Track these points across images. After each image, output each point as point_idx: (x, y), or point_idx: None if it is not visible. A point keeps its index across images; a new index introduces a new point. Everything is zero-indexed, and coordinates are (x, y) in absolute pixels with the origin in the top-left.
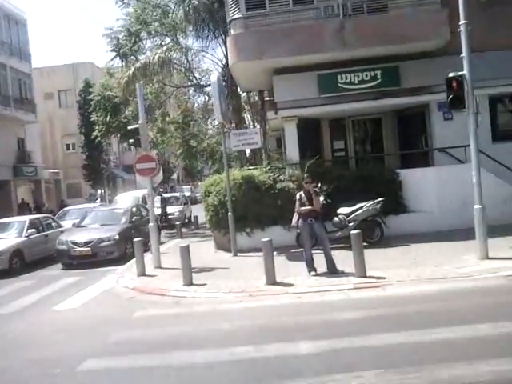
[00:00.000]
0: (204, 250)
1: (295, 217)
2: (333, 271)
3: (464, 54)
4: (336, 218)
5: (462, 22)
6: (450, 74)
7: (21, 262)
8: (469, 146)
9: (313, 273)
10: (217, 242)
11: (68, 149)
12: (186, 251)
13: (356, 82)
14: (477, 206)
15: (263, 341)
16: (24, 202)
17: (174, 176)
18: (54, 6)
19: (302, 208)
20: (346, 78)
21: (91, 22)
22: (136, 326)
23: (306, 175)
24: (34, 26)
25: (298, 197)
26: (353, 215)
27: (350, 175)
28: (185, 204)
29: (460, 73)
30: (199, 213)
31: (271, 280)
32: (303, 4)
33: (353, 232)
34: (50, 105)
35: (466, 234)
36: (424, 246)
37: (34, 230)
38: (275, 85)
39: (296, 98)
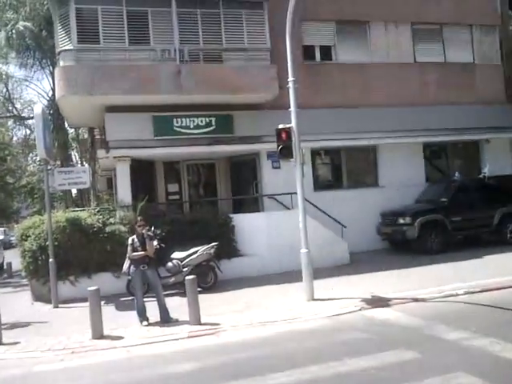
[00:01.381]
0: (18, 302)
1: (126, 262)
2: (166, 320)
3: (292, 108)
4: (170, 263)
5: (291, 78)
6: (280, 126)
7: None
8: (295, 193)
9: (145, 323)
10: (34, 293)
11: None
12: None
13: (191, 126)
14: (303, 250)
15: None
16: None
17: None
18: None
19: (135, 253)
20: (182, 122)
21: None
22: None
23: (139, 218)
24: None
25: (130, 241)
26: (187, 260)
27: (184, 219)
28: None
29: (288, 125)
30: (14, 259)
31: (98, 333)
32: (140, 44)
33: (188, 278)
34: None
35: (294, 276)
36: (256, 290)
37: None
38: (107, 123)
39: (130, 138)
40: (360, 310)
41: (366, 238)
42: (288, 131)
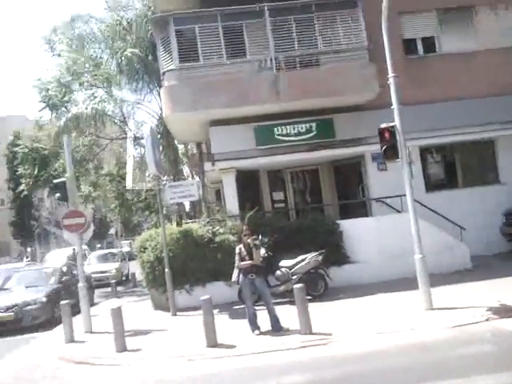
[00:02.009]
0: (141, 311)
1: (235, 272)
2: (277, 329)
3: (394, 105)
4: (279, 272)
5: (391, 75)
6: (382, 125)
7: None
8: (404, 195)
9: (256, 332)
10: (154, 301)
11: None
12: (117, 314)
13: (292, 133)
14: (417, 256)
15: None
16: None
17: (112, 231)
18: None
19: (242, 263)
20: (283, 130)
21: (25, 74)
22: None
23: (244, 227)
24: None
25: (237, 250)
26: (295, 268)
27: (290, 226)
28: (122, 260)
29: (391, 124)
30: (138, 270)
31: (212, 342)
32: (237, 57)
33: (296, 286)
34: None
35: (408, 283)
36: (369, 298)
37: None
38: (211, 136)
39: (233, 150)
40: (487, 320)
41: (487, 241)
42: (391, 130)
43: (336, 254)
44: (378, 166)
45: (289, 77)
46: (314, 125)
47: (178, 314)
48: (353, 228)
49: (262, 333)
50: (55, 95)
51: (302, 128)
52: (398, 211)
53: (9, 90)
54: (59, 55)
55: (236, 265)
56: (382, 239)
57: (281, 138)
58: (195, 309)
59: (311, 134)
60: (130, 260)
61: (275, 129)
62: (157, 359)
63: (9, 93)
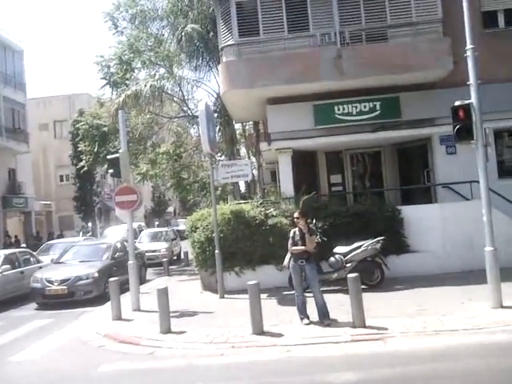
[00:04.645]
0: (190, 291)
1: (288, 256)
2: (323, 320)
3: (471, 81)
4: (332, 258)
5: (469, 46)
6: (457, 103)
7: None
8: (475, 181)
9: (305, 321)
10: (203, 282)
11: (61, 180)
12: (163, 294)
13: (354, 113)
14: (488, 248)
15: None
16: (8, 234)
17: (171, 209)
18: (54, 36)
19: (294, 248)
20: (344, 109)
21: (91, 52)
22: None
23: (296, 213)
24: (31, 55)
25: (291, 234)
26: (350, 255)
27: (347, 211)
28: (173, 240)
29: (467, 101)
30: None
31: (258, 329)
32: (299, 31)
33: (350, 275)
34: (44, 135)
35: (473, 276)
36: (429, 291)
37: (8, 266)
38: (269, 115)
39: (290, 129)
40: None
41: None
42: (467, 108)
43: (395, 241)
44: (446, 150)
45: (354, 52)
46: (378, 104)
47: (226, 296)
48: (415, 215)
49: (312, 322)
50: (116, 72)
51: (364, 107)
52: (467, 198)
53: (75, 67)
54: (122, 32)
55: (289, 249)
56: (447, 228)
57: (341, 117)
58: (244, 292)
59: (375, 114)
60: (183, 239)
61: (336, 107)
62: (200, 343)
63: (75, 71)
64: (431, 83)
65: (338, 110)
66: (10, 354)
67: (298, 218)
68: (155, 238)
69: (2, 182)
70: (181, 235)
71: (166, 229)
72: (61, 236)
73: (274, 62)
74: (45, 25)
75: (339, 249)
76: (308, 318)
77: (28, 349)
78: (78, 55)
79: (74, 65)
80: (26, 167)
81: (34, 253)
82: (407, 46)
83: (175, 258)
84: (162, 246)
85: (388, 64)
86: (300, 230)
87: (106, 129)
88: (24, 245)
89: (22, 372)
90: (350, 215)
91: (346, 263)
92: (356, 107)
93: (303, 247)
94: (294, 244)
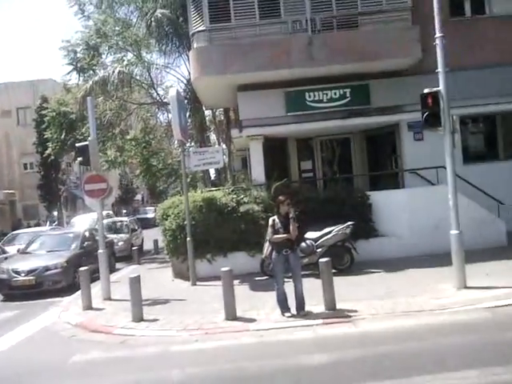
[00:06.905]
0: (161, 279)
1: (267, 246)
2: (300, 310)
3: (440, 68)
4: (303, 244)
5: (438, 35)
6: (425, 90)
7: None
8: (442, 167)
9: (287, 314)
10: (175, 270)
11: (25, 168)
12: (135, 283)
13: (324, 100)
14: (454, 232)
15: None
16: None
17: (139, 197)
18: (16, 20)
19: (276, 236)
20: (315, 96)
21: (55, 37)
22: (70, 375)
23: (280, 197)
24: None
25: (270, 222)
26: (321, 240)
27: (317, 197)
28: (133, 231)
29: (435, 89)
30: (160, 236)
31: (231, 315)
32: (270, 18)
33: (321, 260)
34: (7, 122)
35: (439, 259)
36: (397, 274)
37: None
38: (240, 102)
39: (262, 116)
40: None
41: None
42: (435, 95)
43: (364, 226)
44: (414, 136)
45: (325, 39)
46: (348, 91)
47: (198, 283)
48: (383, 200)
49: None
50: (83, 58)
51: (335, 94)
52: (433, 184)
53: (39, 53)
54: (89, 17)
55: (268, 238)
56: (414, 213)
57: (312, 104)
58: (216, 278)
59: (345, 101)
60: (153, 227)
61: (307, 94)
62: (173, 331)
63: (39, 56)
64: (400, 71)
65: (309, 97)
66: None
67: (283, 200)
68: (112, 229)
69: None
70: (150, 223)
71: (125, 219)
72: (29, 226)
73: (246, 48)
74: (7, 7)
75: (310, 234)
76: (289, 310)
77: None
78: (41, 40)
79: (38, 50)
80: None
81: None
82: (377, 34)
83: (136, 248)
84: (119, 240)
85: (358, 51)
86: (282, 216)
87: (73, 116)
88: None
89: None
90: (320, 201)
91: (317, 248)
92: (326, 94)
93: (286, 235)
94: (275, 232)
